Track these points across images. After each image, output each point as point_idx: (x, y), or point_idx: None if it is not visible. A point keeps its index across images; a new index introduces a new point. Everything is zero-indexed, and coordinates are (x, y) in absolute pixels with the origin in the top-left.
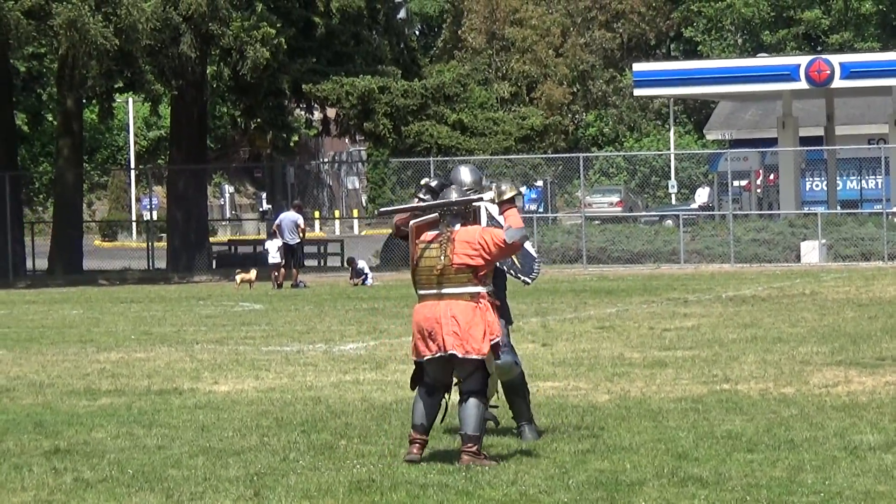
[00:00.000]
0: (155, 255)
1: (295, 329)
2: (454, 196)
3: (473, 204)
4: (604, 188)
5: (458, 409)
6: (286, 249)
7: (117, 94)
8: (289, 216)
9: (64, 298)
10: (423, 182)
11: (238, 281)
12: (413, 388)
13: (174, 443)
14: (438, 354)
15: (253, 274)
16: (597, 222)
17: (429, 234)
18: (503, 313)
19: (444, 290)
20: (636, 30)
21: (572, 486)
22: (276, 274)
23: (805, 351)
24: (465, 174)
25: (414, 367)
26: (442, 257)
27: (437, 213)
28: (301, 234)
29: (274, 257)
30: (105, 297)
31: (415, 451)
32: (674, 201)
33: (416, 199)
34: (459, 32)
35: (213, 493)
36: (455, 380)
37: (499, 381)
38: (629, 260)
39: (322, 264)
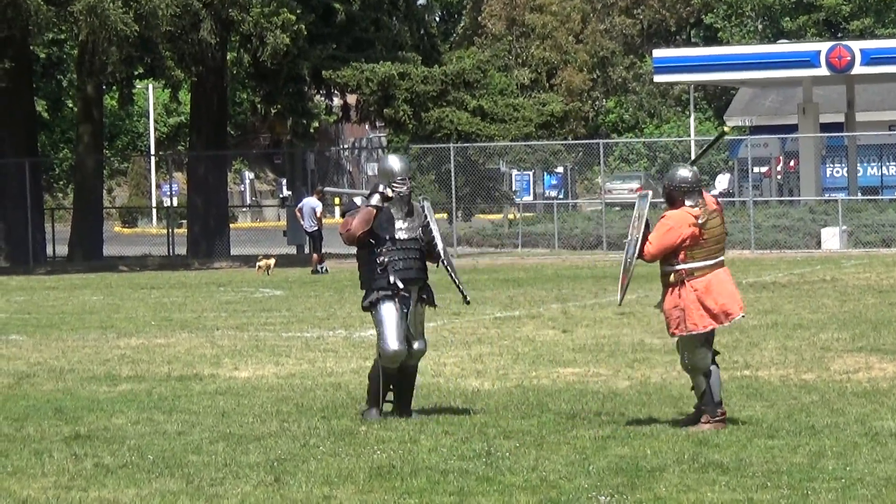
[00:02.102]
0: (175, 242)
1: (315, 315)
2: None
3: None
4: (624, 174)
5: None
6: (308, 236)
7: (137, 81)
8: (309, 202)
9: (84, 284)
10: (381, 191)
11: (262, 267)
12: (706, 369)
13: (194, 429)
14: (740, 315)
15: (272, 261)
16: (617, 208)
17: (693, 210)
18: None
19: (723, 258)
20: (656, 16)
21: (593, 471)
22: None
23: (826, 337)
24: (392, 162)
25: (701, 340)
26: (719, 227)
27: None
28: (320, 222)
29: None
30: (125, 284)
31: (722, 425)
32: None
33: (366, 206)
34: (479, 19)
35: (234, 479)
36: None
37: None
38: None
39: None
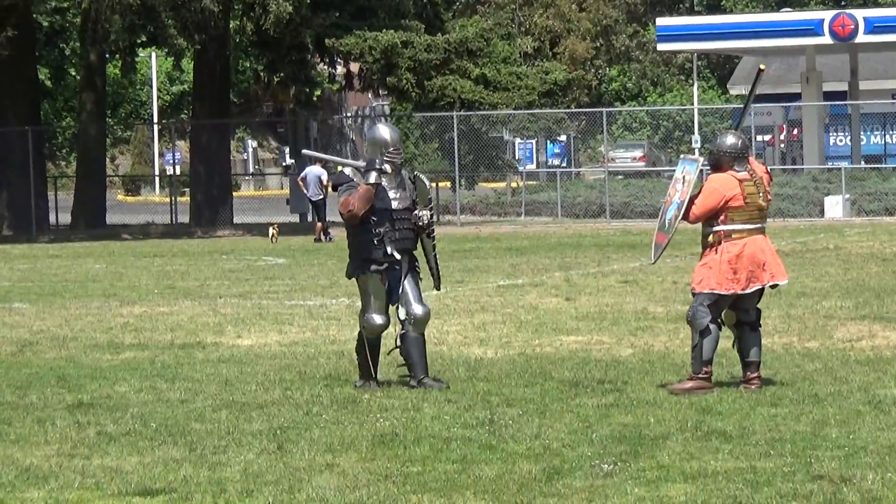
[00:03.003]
0: (178, 210)
1: (318, 283)
2: None
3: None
4: (627, 143)
5: (742, 340)
6: (311, 204)
7: (140, 49)
8: (313, 171)
9: (87, 253)
10: (378, 167)
11: (273, 234)
12: (712, 331)
13: (197, 397)
14: (769, 284)
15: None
16: (620, 177)
17: (740, 174)
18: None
19: (763, 225)
20: None
21: (595, 439)
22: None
23: (829, 305)
24: (385, 132)
25: (715, 302)
26: (760, 194)
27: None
28: (325, 190)
29: None
30: (128, 252)
31: (710, 385)
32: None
33: (364, 184)
34: None
35: (237, 447)
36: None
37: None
38: (652, 214)
39: None
